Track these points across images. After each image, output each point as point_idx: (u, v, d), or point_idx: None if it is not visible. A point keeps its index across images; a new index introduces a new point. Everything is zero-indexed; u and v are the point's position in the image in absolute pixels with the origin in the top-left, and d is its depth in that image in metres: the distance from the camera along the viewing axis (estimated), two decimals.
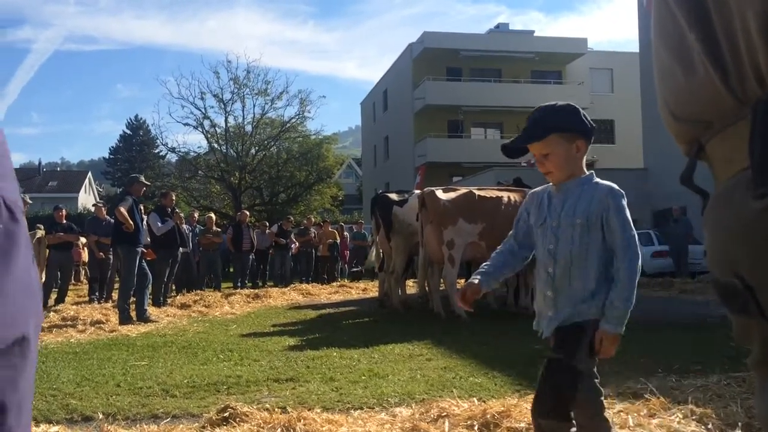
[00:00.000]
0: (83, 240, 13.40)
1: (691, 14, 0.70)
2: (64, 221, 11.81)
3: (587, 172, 2.26)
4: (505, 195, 8.70)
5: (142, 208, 9.31)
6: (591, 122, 2.26)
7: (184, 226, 14.14)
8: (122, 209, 8.34)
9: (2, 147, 0.62)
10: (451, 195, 8.58)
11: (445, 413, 2.94)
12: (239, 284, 14.54)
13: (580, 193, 2.19)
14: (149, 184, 10.01)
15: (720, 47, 0.67)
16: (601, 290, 2.14)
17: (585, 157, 2.24)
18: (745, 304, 0.66)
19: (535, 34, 35.82)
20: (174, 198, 11.19)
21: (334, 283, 16.00)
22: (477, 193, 8.62)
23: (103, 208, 12.24)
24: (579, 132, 2.21)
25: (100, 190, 57.08)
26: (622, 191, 2.19)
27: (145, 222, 9.69)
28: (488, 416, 2.74)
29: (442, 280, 8.93)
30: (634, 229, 2.17)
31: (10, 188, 0.62)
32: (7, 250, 0.60)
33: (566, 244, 2.17)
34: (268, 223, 18.28)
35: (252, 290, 13.35)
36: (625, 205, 2.17)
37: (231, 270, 18.18)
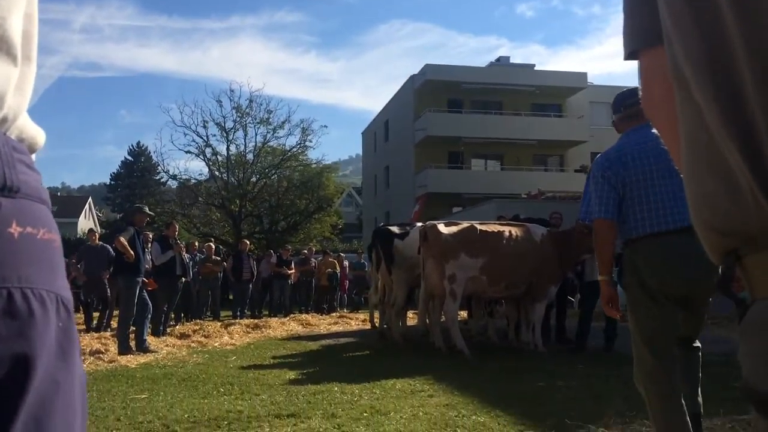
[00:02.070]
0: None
1: (736, 134, 0.66)
2: None
3: None
4: (506, 230, 8.72)
5: (148, 236, 9.41)
6: None
7: (185, 255, 14.17)
8: (122, 239, 8.35)
9: (55, 244, 0.66)
10: (453, 229, 8.60)
11: None
12: (239, 314, 14.49)
13: None
14: (152, 214, 10.05)
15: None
16: None
17: None
18: None
19: (535, 68, 36.22)
20: (177, 229, 11.26)
21: (334, 314, 15.93)
22: (479, 227, 8.64)
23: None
24: None
25: (100, 215, 57.07)
26: None
27: (148, 252, 9.75)
28: None
29: (443, 314, 8.91)
30: None
31: (65, 286, 0.66)
32: (67, 349, 0.63)
33: None
34: (273, 252, 18.30)
35: (251, 320, 13.29)
36: None
37: (230, 297, 18.12)
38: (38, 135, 0.72)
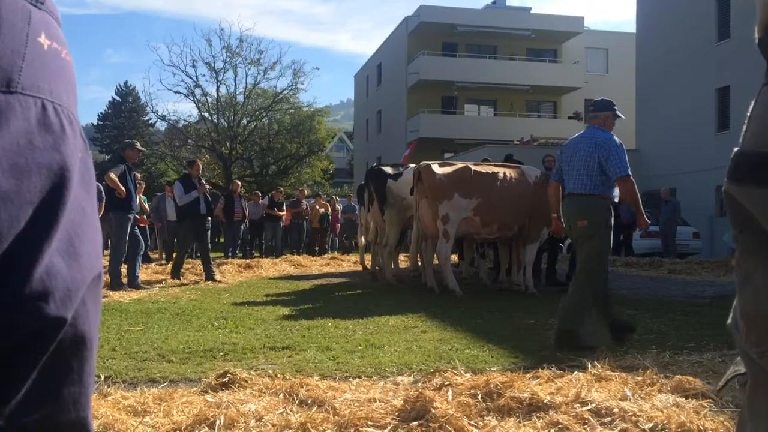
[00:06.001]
0: None
1: None
2: None
3: None
4: (501, 171, 8.68)
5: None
6: None
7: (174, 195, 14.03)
8: (112, 175, 8.23)
9: (72, 68, 0.60)
10: (447, 169, 8.54)
11: (448, 382, 2.95)
12: (230, 254, 14.50)
13: None
14: (144, 150, 9.78)
15: None
16: None
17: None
18: None
19: (532, 11, 35.54)
20: (200, 167, 10.62)
21: (325, 255, 16.00)
22: (473, 168, 8.59)
23: None
24: None
25: None
26: None
27: (139, 188, 9.59)
28: (491, 386, 2.76)
29: (435, 255, 8.94)
30: None
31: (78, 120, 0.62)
32: (88, 180, 0.60)
33: None
34: (260, 194, 18.22)
35: (243, 260, 13.33)
36: None
37: (220, 240, 18.11)
38: None
